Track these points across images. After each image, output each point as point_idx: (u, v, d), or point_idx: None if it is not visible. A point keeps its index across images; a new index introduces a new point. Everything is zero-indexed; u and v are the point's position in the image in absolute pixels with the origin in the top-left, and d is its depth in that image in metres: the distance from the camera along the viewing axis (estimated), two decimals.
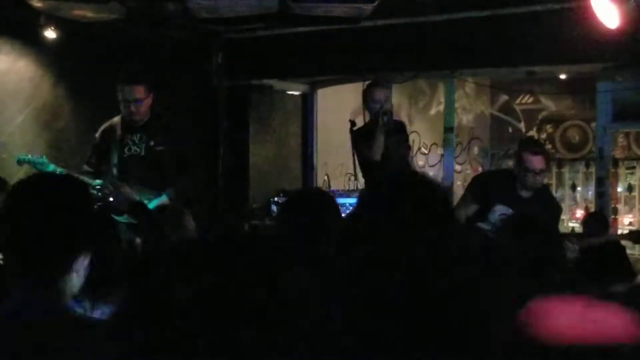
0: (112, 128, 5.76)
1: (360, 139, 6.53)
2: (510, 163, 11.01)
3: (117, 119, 5.77)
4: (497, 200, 5.44)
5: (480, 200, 5.61)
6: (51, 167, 5.51)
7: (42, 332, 2.13)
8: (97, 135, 5.83)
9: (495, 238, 3.83)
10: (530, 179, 5.41)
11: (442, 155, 10.27)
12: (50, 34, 6.57)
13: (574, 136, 11.21)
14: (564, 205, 11.15)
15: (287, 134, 9.09)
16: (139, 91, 5.60)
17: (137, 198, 4.71)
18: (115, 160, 5.64)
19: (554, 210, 5.71)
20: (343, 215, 5.94)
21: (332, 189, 6.74)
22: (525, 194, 5.50)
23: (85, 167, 5.75)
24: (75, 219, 2.23)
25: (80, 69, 6.96)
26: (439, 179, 10.15)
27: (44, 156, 5.63)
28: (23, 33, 6.59)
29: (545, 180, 5.90)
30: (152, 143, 5.68)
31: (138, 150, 5.67)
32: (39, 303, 2.16)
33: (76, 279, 2.22)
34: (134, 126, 5.71)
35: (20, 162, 5.45)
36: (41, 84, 6.81)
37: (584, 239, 6.48)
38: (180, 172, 5.65)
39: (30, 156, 5.55)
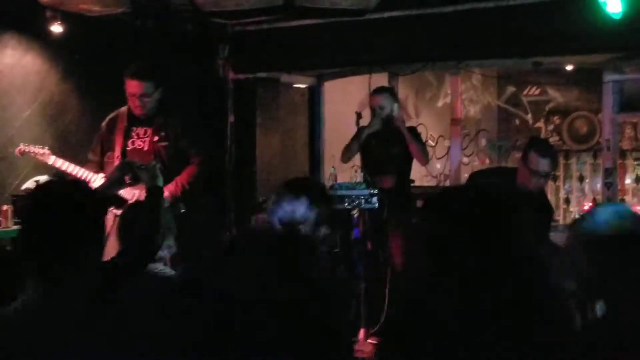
0: (117, 118, 5.76)
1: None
2: (517, 155, 11.06)
3: (124, 109, 5.77)
4: None
5: None
6: (52, 158, 5.56)
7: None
8: (103, 124, 5.85)
9: None
10: (535, 181, 5.25)
11: (449, 148, 10.28)
12: (56, 28, 6.57)
13: (581, 127, 11.18)
14: (572, 197, 11.16)
15: (294, 126, 9.09)
16: (147, 86, 5.60)
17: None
18: (117, 151, 5.65)
19: (546, 214, 5.51)
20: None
21: (338, 181, 6.74)
22: None
23: (91, 157, 5.78)
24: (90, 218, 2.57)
25: (87, 63, 6.97)
26: (447, 171, 10.17)
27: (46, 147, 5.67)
28: (29, 27, 6.59)
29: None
30: (155, 139, 5.67)
31: (142, 144, 5.67)
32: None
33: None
34: (139, 119, 5.70)
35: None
36: (48, 78, 6.82)
37: None
38: (183, 167, 5.63)
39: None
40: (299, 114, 9.15)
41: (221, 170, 8.30)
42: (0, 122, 6.48)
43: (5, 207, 5.80)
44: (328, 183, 6.65)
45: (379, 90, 7.06)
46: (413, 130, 7.01)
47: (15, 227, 5.73)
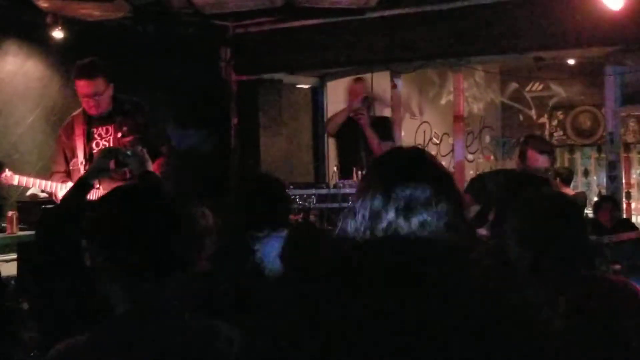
0: (74, 123, 5.51)
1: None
2: None
3: (78, 113, 5.52)
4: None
5: (479, 202, 5.44)
6: (15, 178, 5.40)
7: None
8: (61, 132, 5.59)
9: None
10: None
11: (453, 145, 10.28)
12: (57, 34, 6.57)
13: (585, 122, 11.17)
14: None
15: (297, 127, 9.10)
16: (98, 84, 5.33)
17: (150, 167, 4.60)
18: (81, 156, 5.41)
19: None
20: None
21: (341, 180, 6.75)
22: None
23: (55, 168, 5.53)
24: None
25: None
26: (451, 168, 10.16)
27: None
28: (30, 34, 6.61)
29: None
30: (119, 135, 5.49)
31: (106, 143, 5.41)
32: None
33: None
34: (97, 119, 5.46)
35: None
36: (50, 84, 6.84)
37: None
38: (154, 159, 5.41)
39: None
40: (302, 115, 9.16)
41: (226, 171, 8.31)
42: (3, 129, 6.50)
43: (10, 213, 5.76)
44: (331, 182, 6.66)
45: (359, 80, 7.30)
46: (382, 121, 7.08)
47: (21, 232, 5.71)
